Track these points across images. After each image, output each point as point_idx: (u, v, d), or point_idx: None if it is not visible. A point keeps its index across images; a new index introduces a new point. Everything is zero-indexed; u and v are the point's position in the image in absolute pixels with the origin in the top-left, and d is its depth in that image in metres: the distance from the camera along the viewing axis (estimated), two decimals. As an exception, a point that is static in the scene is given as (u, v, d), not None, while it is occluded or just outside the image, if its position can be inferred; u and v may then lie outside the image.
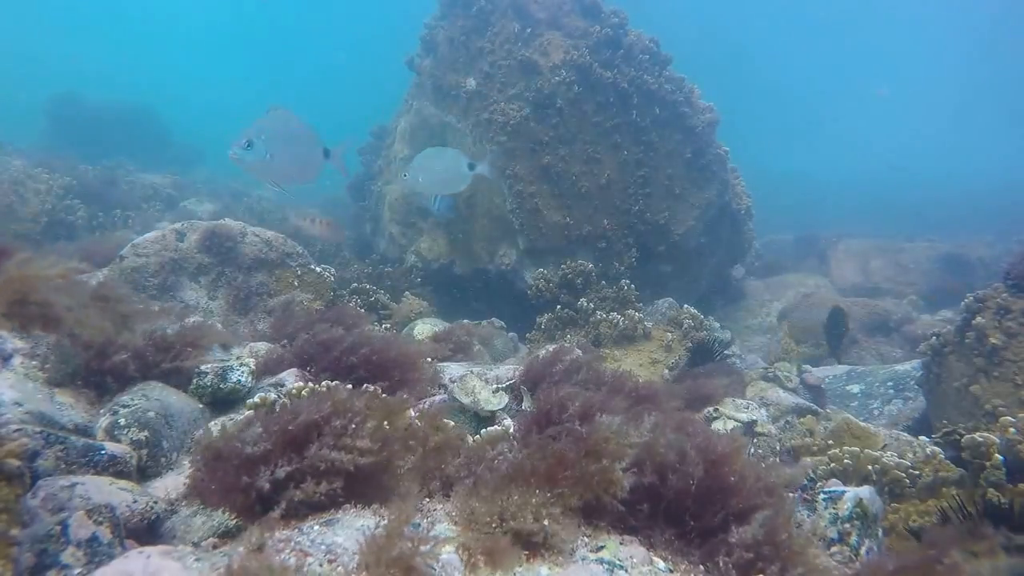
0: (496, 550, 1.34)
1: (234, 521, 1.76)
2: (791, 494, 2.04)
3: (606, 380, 2.78)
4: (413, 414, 2.05)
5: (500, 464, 1.67)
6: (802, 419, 3.98)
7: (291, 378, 2.83)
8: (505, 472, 1.63)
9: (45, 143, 12.09)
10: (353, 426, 1.62)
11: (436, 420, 1.95)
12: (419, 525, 1.57)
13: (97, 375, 2.51)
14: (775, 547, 1.53)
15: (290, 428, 1.60)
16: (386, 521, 1.35)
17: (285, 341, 3.37)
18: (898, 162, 27.38)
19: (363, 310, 5.07)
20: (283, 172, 3.57)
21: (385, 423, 1.70)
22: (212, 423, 2.51)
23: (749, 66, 38.76)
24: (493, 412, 2.90)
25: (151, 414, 2.35)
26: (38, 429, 1.99)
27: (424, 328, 5.09)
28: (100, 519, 1.59)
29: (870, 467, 2.93)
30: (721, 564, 1.54)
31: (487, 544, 1.33)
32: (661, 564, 1.55)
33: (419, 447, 1.82)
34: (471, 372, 3.21)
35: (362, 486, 1.63)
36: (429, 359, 3.40)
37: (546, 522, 1.48)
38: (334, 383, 2.56)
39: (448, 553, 1.44)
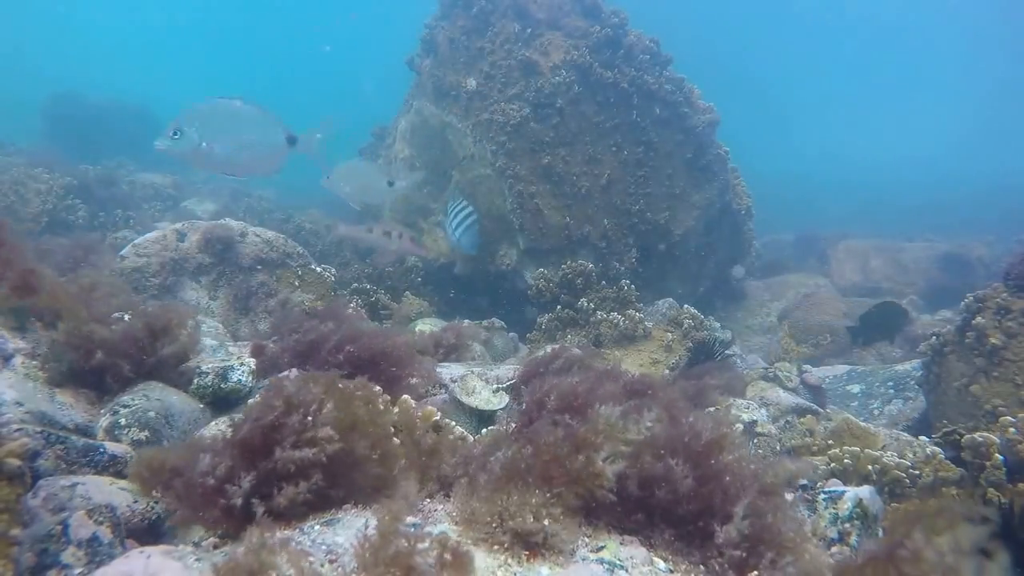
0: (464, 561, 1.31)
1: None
2: (792, 493, 2.03)
3: (599, 374, 2.74)
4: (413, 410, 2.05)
5: (494, 464, 1.66)
6: (802, 419, 3.98)
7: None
8: (499, 472, 1.62)
9: (44, 143, 12.09)
10: (310, 418, 1.58)
11: (434, 419, 1.95)
12: (419, 524, 1.57)
13: (88, 375, 2.50)
14: (762, 541, 1.53)
15: (243, 439, 1.57)
16: (377, 521, 1.34)
17: (275, 338, 3.31)
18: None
19: (363, 310, 5.07)
20: (230, 161, 3.37)
21: (364, 406, 1.66)
22: (212, 423, 2.52)
23: (753, 67, 38.75)
24: (494, 412, 2.90)
25: (151, 414, 2.35)
26: (38, 429, 2.00)
27: (424, 328, 5.08)
28: (101, 519, 1.59)
29: (870, 467, 2.93)
30: (717, 566, 1.54)
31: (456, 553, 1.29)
32: (661, 564, 1.55)
33: (414, 447, 1.81)
34: (472, 372, 3.21)
35: (350, 473, 1.61)
36: (429, 356, 3.38)
37: (546, 522, 1.48)
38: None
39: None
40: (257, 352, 3.04)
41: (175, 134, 3.24)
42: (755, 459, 1.67)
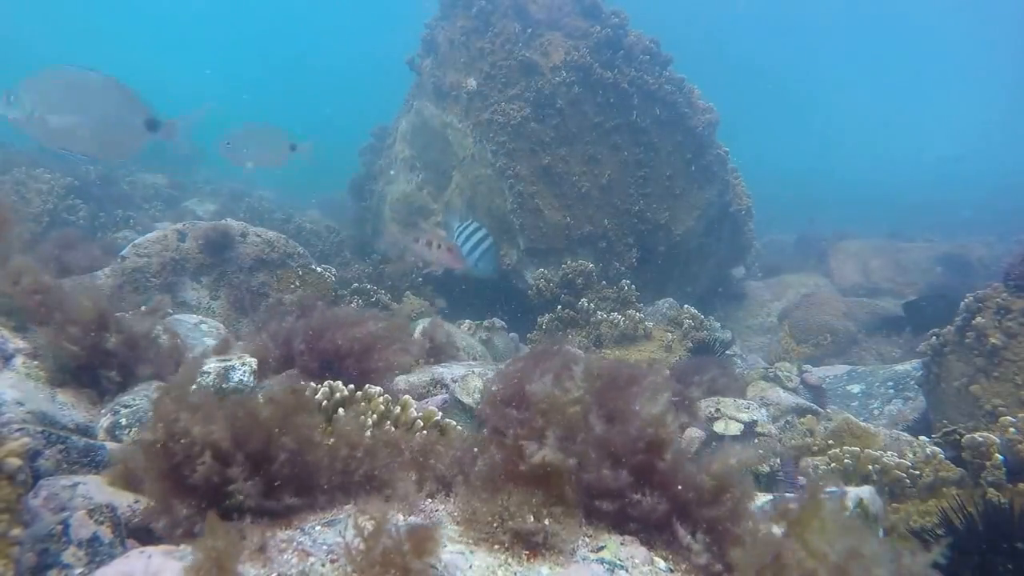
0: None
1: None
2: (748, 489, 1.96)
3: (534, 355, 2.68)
4: (414, 413, 2.05)
5: (474, 480, 1.64)
6: (802, 419, 3.98)
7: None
8: (480, 484, 1.60)
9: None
10: (183, 440, 1.56)
11: (439, 420, 1.95)
12: (420, 524, 1.57)
13: (80, 372, 2.50)
14: (726, 542, 1.52)
15: (166, 490, 1.59)
16: (355, 526, 1.34)
17: (244, 334, 3.28)
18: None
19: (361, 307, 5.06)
20: (68, 137, 3.05)
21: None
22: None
23: (756, 65, 38.65)
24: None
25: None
26: (39, 429, 2.00)
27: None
28: (101, 519, 1.59)
29: (870, 467, 2.93)
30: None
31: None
32: (662, 564, 1.55)
33: (405, 446, 1.80)
34: (473, 372, 3.21)
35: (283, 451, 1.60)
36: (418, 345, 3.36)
37: (547, 522, 1.49)
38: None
39: (450, 553, 1.44)
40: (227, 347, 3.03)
41: (9, 99, 2.94)
42: (695, 457, 1.63)
